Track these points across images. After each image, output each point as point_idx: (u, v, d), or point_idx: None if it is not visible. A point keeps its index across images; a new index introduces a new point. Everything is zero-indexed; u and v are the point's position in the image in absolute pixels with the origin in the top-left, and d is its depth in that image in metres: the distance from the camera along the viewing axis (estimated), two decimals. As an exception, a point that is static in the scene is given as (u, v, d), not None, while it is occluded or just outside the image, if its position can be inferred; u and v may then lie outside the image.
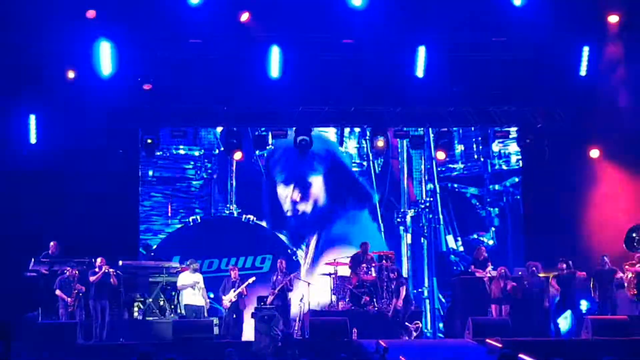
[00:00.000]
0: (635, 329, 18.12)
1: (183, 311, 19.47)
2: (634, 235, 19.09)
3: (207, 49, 19.77)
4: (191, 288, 19.36)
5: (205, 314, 19.38)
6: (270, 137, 21.58)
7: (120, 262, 19.42)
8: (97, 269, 18.44)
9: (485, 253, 20.77)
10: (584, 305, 19.78)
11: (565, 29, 19.70)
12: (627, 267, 19.02)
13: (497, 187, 23.46)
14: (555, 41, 20.09)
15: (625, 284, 18.96)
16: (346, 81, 20.53)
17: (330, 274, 20.26)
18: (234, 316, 19.23)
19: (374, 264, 19.84)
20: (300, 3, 18.98)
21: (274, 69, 19.51)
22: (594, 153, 21.52)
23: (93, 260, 18.81)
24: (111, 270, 18.64)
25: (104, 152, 21.07)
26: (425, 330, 20.84)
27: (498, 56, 20.32)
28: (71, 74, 19.45)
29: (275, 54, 19.43)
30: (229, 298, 19.28)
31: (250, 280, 19.70)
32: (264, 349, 16.63)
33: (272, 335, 16.67)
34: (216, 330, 19.05)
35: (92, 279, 18.35)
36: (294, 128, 21.35)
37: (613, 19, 19.58)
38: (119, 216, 21.25)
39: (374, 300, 19.26)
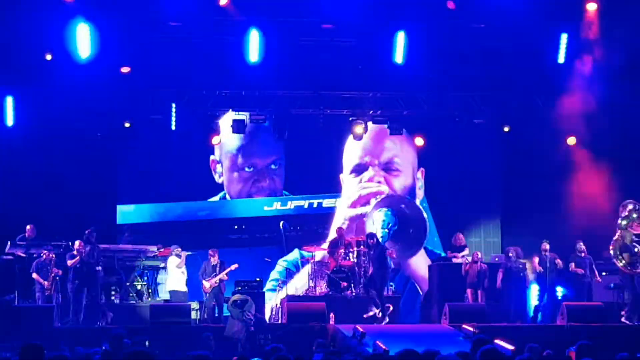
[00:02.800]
0: (610, 315, 18.32)
1: (167, 296, 19.51)
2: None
3: (186, 31, 19.69)
4: (181, 273, 19.47)
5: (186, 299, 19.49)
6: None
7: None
8: (75, 252, 18.38)
9: (464, 240, 20.88)
10: (559, 291, 19.90)
11: (544, 16, 19.78)
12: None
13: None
14: (534, 28, 20.19)
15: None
16: (326, 66, 20.53)
17: (308, 259, 20.29)
18: (214, 301, 19.23)
19: (351, 249, 19.87)
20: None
21: (253, 53, 19.42)
22: (571, 140, 21.64)
23: (70, 243, 18.75)
24: (89, 253, 18.58)
25: (82, 135, 20.99)
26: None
27: (477, 43, 20.37)
28: (48, 57, 19.31)
29: (254, 38, 19.33)
30: (210, 283, 19.30)
31: (233, 267, 19.75)
32: (236, 333, 16.63)
33: (245, 320, 16.66)
34: (195, 314, 19.14)
35: (69, 262, 18.28)
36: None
37: (592, 6, 19.61)
38: (97, 199, 21.21)
39: (352, 285, 19.29)
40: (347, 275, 19.41)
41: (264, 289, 20.19)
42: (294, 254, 21.59)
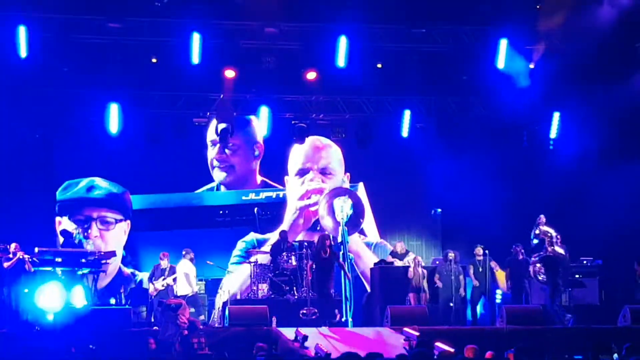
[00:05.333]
0: (548, 318, 18.58)
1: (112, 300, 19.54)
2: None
3: (125, 33, 19.55)
4: (193, 277, 19.79)
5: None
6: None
7: (37, 249, 19.07)
8: (11, 255, 18.09)
9: (405, 248, 21.10)
10: (498, 294, 20.14)
11: (484, 21, 20.04)
12: (533, 259, 19.43)
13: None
14: (474, 33, 20.44)
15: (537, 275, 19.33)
16: (269, 68, 20.55)
17: (250, 262, 20.28)
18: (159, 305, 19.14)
19: (294, 252, 19.87)
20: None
21: (195, 55, 19.40)
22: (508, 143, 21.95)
23: (7, 246, 18.45)
24: (26, 256, 18.31)
25: (22, 136, 20.74)
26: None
27: (417, 47, 20.55)
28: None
29: (195, 40, 19.31)
30: (156, 286, 19.35)
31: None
32: (170, 337, 16.52)
33: (178, 323, 16.56)
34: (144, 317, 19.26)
35: (5, 265, 17.99)
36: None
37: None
38: (36, 202, 20.96)
39: (294, 288, 19.28)
40: (290, 278, 19.40)
41: (229, 262, 22.17)
42: (250, 236, 23.47)
